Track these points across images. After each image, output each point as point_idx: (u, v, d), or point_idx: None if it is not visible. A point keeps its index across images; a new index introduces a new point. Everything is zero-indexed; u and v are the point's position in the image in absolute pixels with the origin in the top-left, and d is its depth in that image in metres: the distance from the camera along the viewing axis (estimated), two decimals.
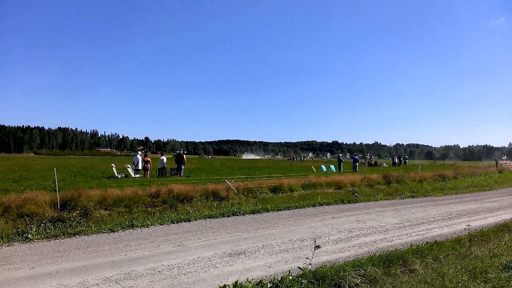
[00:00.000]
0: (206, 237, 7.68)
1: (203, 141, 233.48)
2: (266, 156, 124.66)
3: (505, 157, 76.26)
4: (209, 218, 9.79)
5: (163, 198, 10.97)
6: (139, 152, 23.23)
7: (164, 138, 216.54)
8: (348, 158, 68.61)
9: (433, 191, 16.98)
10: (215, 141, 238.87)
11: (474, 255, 5.69)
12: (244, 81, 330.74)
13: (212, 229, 8.48)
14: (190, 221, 9.36)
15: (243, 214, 10.38)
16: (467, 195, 16.67)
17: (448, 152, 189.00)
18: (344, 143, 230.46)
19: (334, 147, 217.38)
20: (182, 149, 25.03)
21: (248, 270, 5.56)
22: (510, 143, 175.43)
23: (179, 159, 19.73)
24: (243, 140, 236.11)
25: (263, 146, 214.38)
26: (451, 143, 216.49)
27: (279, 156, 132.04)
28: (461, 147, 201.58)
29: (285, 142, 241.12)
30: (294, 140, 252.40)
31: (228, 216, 10.12)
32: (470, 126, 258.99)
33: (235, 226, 8.78)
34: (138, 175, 19.94)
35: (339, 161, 29.99)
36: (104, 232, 8.05)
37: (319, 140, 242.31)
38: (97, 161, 47.26)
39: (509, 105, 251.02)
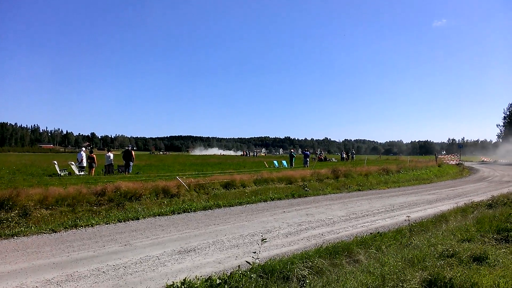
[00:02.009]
0: (155, 235, 7.49)
1: (154, 137, 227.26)
2: (220, 152, 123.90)
3: (444, 152, 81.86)
4: (159, 215, 9.56)
5: (109, 196, 10.55)
6: (84, 149, 22.15)
7: (112, 133, 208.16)
8: (300, 154, 70.11)
9: (378, 185, 17.82)
10: (166, 137, 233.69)
11: (413, 245, 6.02)
12: (196, 76, 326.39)
13: (161, 227, 8.28)
14: (138, 219, 9.08)
15: (194, 211, 10.25)
16: (409, 188, 17.66)
17: (392, 147, 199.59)
18: (296, 139, 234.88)
19: (286, 143, 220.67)
20: (130, 145, 24.28)
21: (198, 267, 5.49)
22: (448, 139, 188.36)
23: (127, 156, 19.08)
24: (196, 136, 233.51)
25: (216, 142, 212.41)
26: (395, 138, 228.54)
27: (232, 152, 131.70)
28: (404, 142, 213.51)
29: (238, 138, 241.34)
30: (247, 136, 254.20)
31: (179, 213, 9.94)
32: (412, 123, 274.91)
33: (185, 223, 8.65)
34: (82, 173, 19.03)
35: (291, 156, 30.55)
36: (45, 233, 7.61)
37: (272, 136, 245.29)
38: (38, 158, 44.37)
39: (448, 104, 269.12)
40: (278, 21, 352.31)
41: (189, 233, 7.65)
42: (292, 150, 34.81)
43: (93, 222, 8.54)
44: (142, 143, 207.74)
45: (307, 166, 26.96)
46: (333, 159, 47.46)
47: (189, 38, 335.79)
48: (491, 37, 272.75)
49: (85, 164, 19.75)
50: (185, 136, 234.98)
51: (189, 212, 10.13)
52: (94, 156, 19.54)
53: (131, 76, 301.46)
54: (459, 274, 4.26)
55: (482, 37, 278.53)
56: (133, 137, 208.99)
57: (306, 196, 13.59)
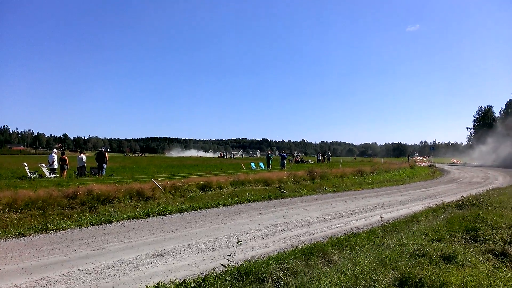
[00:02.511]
0: (128, 238, 7.35)
1: (129, 138, 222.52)
2: (197, 154, 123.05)
3: (417, 154, 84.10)
4: (133, 219, 9.38)
5: (81, 199, 10.29)
6: (55, 150, 21.57)
7: (85, 135, 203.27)
8: (277, 156, 70.46)
9: (352, 186, 18.10)
10: (142, 139, 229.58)
11: (386, 245, 6.13)
12: (172, 77, 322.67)
13: (135, 230, 8.13)
14: (111, 222, 8.90)
15: (170, 214, 10.11)
16: (383, 189, 18.02)
17: (367, 149, 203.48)
18: (274, 140, 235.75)
19: (263, 145, 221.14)
20: (104, 147, 23.74)
21: (172, 270, 5.42)
22: (421, 141, 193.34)
23: (100, 158, 18.65)
24: (172, 138, 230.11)
25: (193, 144, 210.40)
26: (370, 141, 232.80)
27: (210, 153, 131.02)
28: (379, 144, 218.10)
29: (216, 139, 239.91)
30: (225, 137, 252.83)
31: (154, 216, 9.79)
32: (387, 126, 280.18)
33: (160, 226, 8.52)
34: (54, 175, 18.49)
35: (268, 158, 30.61)
36: (13, 237, 7.38)
37: (249, 137, 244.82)
38: (7, 160, 42.75)
39: (420, 107, 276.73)
40: (255, 23, 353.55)
41: (163, 236, 7.54)
42: (269, 152, 34.90)
43: (64, 225, 8.32)
44: (117, 145, 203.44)
45: (284, 168, 27.09)
46: (310, 161, 47.98)
47: (164, 38, 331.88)
48: (462, 42, 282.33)
49: (56, 166, 19.22)
50: (161, 137, 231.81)
51: (164, 215, 9.99)
52: (66, 158, 19.09)
53: (105, 76, 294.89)
54: (429, 273, 4.37)
55: (453, 42, 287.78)
56: (107, 139, 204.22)
57: (282, 198, 13.65)
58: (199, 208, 10.96)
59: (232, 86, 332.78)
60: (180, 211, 10.46)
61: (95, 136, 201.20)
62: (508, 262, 5.50)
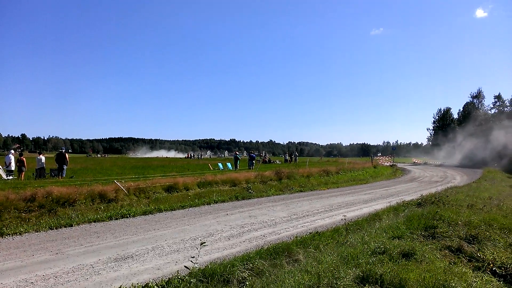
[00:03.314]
0: (89, 242, 7.11)
1: (91, 138, 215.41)
2: (163, 154, 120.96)
3: (380, 154, 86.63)
4: (95, 222, 9.09)
5: (40, 202, 9.85)
6: (12, 151, 20.54)
7: (44, 135, 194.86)
8: (245, 156, 70.48)
9: (318, 186, 18.41)
10: (105, 139, 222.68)
11: (349, 243, 6.29)
12: (137, 75, 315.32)
13: (97, 233, 7.88)
14: (72, 226, 8.59)
15: (134, 216, 9.87)
16: (347, 188, 18.45)
17: (333, 149, 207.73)
18: (242, 141, 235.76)
19: (232, 145, 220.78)
20: (64, 148, 22.83)
21: (135, 274, 5.30)
22: (384, 141, 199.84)
23: (60, 159, 17.92)
24: (137, 138, 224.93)
25: (160, 144, 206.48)
26: (336, 141, 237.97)
27: (176, 154, 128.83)
28: (344, 145, 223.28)
29: (183, 140, 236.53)
30: (192, 138, 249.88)
31: (117, 218, 9.52)
32: (351, 127, 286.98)
33: (123, 229, 8.30)
34: (10, 177, 17.58)
35: (236, 158, 30.56)
36: None
37: (217, 138, 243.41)
38: None
39: (383, 109, 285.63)
40: (223, 22, 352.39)
41: (127, 239, 7.35)
42: (236, 153, 34.95)
43: (22, 230, 7.96)
44: (78, 145, 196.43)
45: (252, 169, 27.15)
46: (277, 161, 48.22)
47: (126, 35, 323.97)
48: (422, 45, 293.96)
49: (13, 168, 18.34)
50: (125, 138, 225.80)
51: (127, 217, 9.74)
52: (24, 159, 18.27)
53: (66, 73, 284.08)
54: (389, 270, 4.52)
55: (414, 45, 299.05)
56: (68, 139, 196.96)
57: (250, 198, 13.67)
58: (165, 209, 10.77)
59: (200, 86, 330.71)
60: (145, 213, 10.24)
61: (56, 137, 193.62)
62: (464, 258, 5.77)
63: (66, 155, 18.42)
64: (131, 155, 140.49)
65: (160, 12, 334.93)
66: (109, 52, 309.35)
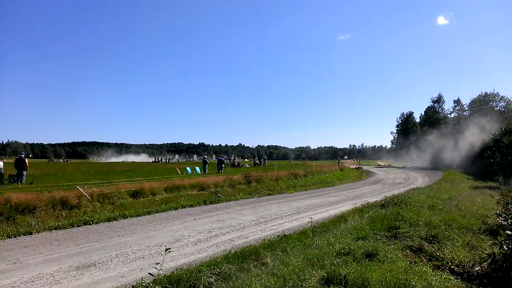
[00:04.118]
0: (50, 250, 6.83)
1: (53, 143, 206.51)
2: (129, 159, 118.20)
3: (346, 157, 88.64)
4: (56, 229, 8.75)
5: None
6: None
7: (3, 139, 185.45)
8: (214, 160, 70.09)
9: (287, 189, 18.59)
10: (68, 143, 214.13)
11: (315, 245, 6.39)
12: (102, 79, 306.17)
13: (58, 241, 7.59)
14: (31, 234, 8.23)
15: (97, 223, 9.57)
16: (315, 191, 18.74)
17: (301, 152, 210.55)
18: (211, 144, 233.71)
19: (200, 149, 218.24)
20: (23, 152, 21.90)
21: (98, 282, 5.14)
22: (350, 145, 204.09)
23: (19, 164, 17.19)
24: (102, 142, 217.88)
25: (125, 149, 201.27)
26: (304, 144, 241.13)
27: (143, 158, 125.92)
28: (312, 148, 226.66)
29: (150, 144, 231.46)
30: (160, 142, 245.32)
31: (79, 226, 9.20)
32: (320, 130, 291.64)
33: (86, 237, 8.03)
34: None
35: (204, 162, 30.38)
36: None
37: (185, 142, 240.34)
38: None
39: (349, 113, 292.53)
40: (193, 25, 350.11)
41: (89, 247, 7.12)
42: (205, 156, 34.60)
43: None
44: (39, 150, 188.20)
45: (221, 172, 27.05)
46: (246, 165, 48.37)
47: (90, 36, 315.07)
48: (387, 51, 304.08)
49: None
50: (89, 142, 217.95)
51: (90, 224, 9.44)
52: None
53: (26, 75, 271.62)
54: (352, 270, 4.63)
55: (380, 51, 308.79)
56: (29, 143, 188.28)
57: (218, 202, 13.60)
58: (130, 216, 10.52)
59: (168, 89, 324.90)
60: (109, 219, 9.96)
61: (15, 141, 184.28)
62: (424, 257, 5.99)
63: (26, 160, 17.72)
64: (96, 159, 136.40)
65: (118, 13, 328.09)
66: (72, 52, 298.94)
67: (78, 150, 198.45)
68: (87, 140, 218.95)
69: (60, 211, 10.46)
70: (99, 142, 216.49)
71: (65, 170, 34.33)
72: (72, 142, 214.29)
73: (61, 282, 5.13)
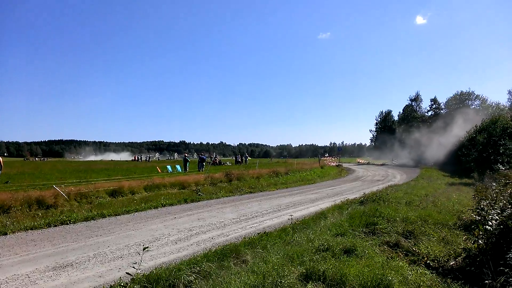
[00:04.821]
0: (25, 251, 6.67)
1: (29, 141, 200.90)
2: (107, 157, 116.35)
3: (327, 155, 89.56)
4: (32, 229, 8.53)
5: None
6: None
7: None
8: (195, 158, 69.70)
9: (268, 186, 18.65)
10: (44, 141, 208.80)
11: (295, 242, 6.46)
12: (80, 75, 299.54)
13: (34, 241, 7.41)
14: (6, 234, 8.01)
15: (74, 222, 9.39)
16: (295, 188, 18.87)
17: (283, 150, 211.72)
18: (192, 143, 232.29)
19: (181, 147, 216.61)
20: None
21: (75, 283, 5.06)
22: (330, 142, 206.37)
23: None
24: (80, 140, 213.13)
25: (104, 147, 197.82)
26: (286, 142, 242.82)
27: (123, 156, 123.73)
28: (293, 146, 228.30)
29: (129, 142, 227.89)
30: (139, 140, 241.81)
31: (56, 225, 9.01)
32: (301, 128, 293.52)
33: (63, 236, 7.87)
34: None
35: (185, 161, 30.18)
36: None
37: (166, 140, 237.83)
38: None
39: (330, 111, 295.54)
40: (176, 21, 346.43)
41: (66, 247, 6.99)
42: (186, 155, 34.41)
43: None
44: (15, 148, 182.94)
45: (202, 171, 26.92)
46: (228, 163, 48.25)
47: (65, 34, 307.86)
48: (367, 50, 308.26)
49: None
50: (67, 140, 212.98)
51: (68, 224, 9.25)
52: None
53: (2, 72, 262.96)
54: (331, 266, 4.70)
55: (360, 50, 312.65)
56: (4, 142, 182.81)
57: (199, 201, 13.53)
58: (108, 215, 10.35)
59: (148, 86, 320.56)
60: (86, 219, 9.78)
61: None
62: (401, 252, 6.14)
63: (1, 159, 17.21)
64: (73, 158, 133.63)
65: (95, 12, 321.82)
66: (48, 49, 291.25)
67: (55, 149, 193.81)
68: (65, 138, 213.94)
69: (36, 211, 10.24)
70: (76, 140, 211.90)
71: (42, 169, 33.47)
72: (49, 141, 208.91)
73: (37, 283, 5.02)
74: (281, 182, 21.26)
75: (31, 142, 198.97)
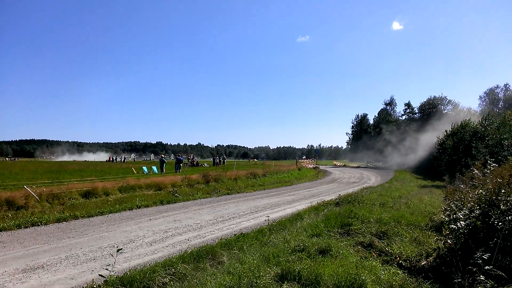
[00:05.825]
0: None
1: None
2: (81, 158, 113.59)
3: (304, 157, 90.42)
4: (1, 231, 8.28)
5: None
6: None
7: None
8: (172, 159, 68.92)
9: (245, 188, 18.66)
10: (15, 141, 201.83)
11: (272, 243, 6.49)
12: (53, 74, 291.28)
13: (2, 243, 7.18)
14: None
15: (46, 224, 9.13)
16: (273, 190, 18.95)
17: (260, 152, 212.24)
18: (169, 144, 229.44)
19: (158, 148, 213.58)
20: None
21: (46, 285, 4.93)
22: (308, 145, 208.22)
23: None
24: (52, 140, 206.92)
25: (78, 147, 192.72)
26: (264, 144, 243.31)
27: (98, 157, 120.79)
28: (271, 148, 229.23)
29: (104, 142, 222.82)
30: (115, 140, 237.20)
31: (26, 227, 8.75)
32: (279, 130, 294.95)
33: (33, 238, 7.64)
34: None
35: (162, 162, 29.79)
36: None
37: (142, 140, 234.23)
38: None
39: (307, 114, 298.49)
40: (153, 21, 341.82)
41: (37, 249, 6.79)
42: (162, 156, 33.98)
43: None
44: None
45: (179, 172, 26.65)
46: (205, 164, 47.95)
47: (39, 30, 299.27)
48: (344, 54, 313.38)
49: None
50: (39, 140, 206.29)
51: (39, 225, 8.99)
52: None
53: None
54: (306, 266, 4.75)
55: (338, 53, 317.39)
56: None
57: (175, 202, 13.40)
58: (81, 216, 10.12)
59: (123, 86, 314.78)
60: (58, 220, 9.53)
61: None
62: (375, 252, 6.25)
63: None
64: (45, 158, 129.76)
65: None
66: (24, 48, 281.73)
67: (26, 149, 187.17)
68: (36, 138, 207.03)
69: (6, 212, 9.91)
70: (49, 140, 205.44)
71: (12, 169, 32.34)
72: (20, 140, 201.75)
73: (5, 286, 4.86)
74: (258, 183, 21.29)
75: (1, 142, 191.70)
